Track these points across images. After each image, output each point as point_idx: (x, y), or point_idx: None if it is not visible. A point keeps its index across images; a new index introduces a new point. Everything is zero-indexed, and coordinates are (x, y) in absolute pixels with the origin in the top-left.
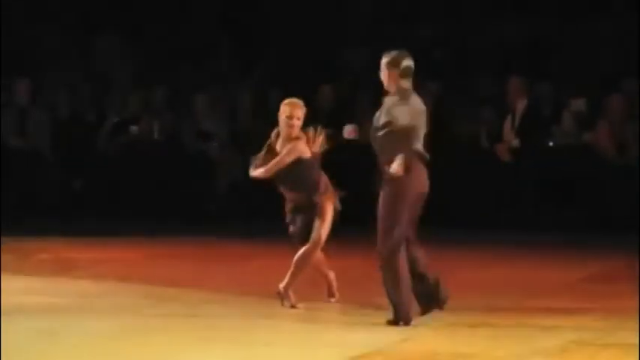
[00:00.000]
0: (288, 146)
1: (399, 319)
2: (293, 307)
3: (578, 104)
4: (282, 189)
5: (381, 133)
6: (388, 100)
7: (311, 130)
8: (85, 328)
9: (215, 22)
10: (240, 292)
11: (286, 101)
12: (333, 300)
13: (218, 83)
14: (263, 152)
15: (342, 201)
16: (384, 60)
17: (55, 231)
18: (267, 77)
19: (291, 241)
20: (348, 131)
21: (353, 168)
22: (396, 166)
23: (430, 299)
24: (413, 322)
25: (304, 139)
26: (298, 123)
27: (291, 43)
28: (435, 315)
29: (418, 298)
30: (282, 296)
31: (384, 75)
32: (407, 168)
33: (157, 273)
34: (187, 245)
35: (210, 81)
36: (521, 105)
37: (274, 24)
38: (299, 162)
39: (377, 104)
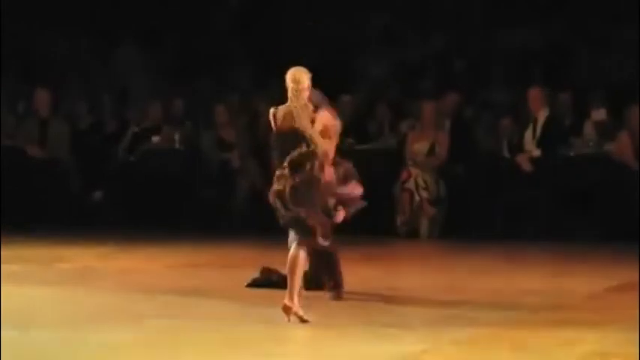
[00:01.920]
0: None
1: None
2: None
3: (600, 114)
4: None
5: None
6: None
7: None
8: (106, 338)
9: (234, 32)
10: (261, 302)
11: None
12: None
13: (237, 93)
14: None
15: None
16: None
17: (76, 241)
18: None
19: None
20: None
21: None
22: None
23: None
24: None
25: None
26: (307, 87)
27: (310, 53)
28: (455, 326)
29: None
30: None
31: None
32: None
33: (178, 283)
34: (208, 255)
35: (230, 91)
36: (542, 115)
37: (292, 34)
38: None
39: (395, 114)
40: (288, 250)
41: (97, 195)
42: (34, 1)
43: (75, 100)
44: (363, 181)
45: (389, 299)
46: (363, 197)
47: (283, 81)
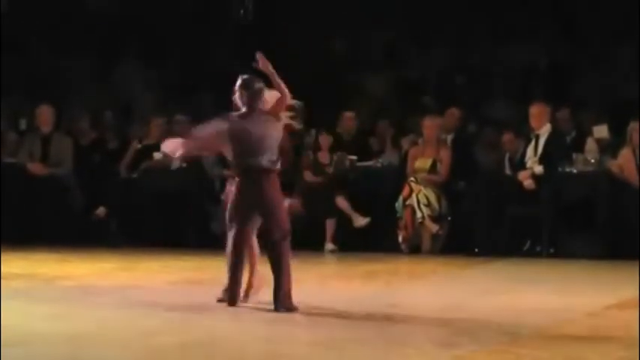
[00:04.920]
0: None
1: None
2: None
3: (601, 131)
4: None
5: None
6: None
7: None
8: (107, 356)
9: (237, 47)
10: (263, 320)
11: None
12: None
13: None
14: None
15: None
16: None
17: (78, 257)
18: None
19: None
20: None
21: (376, 194)
22: None
23: None
24: None
25: None
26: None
27: (311, 70)
28: (457, 343)
29: None
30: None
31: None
32: None
33: (181, 300)
34: (210, 271)
35: (232, 108)
36: (544, 131)
37: (293, 50)
38: None
39: (397, 130)
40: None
41: (100, 211)
42: (38, 18)
43: (77, 117)
44: (367, 198)
45: (390, 316)
46: (366, 214)
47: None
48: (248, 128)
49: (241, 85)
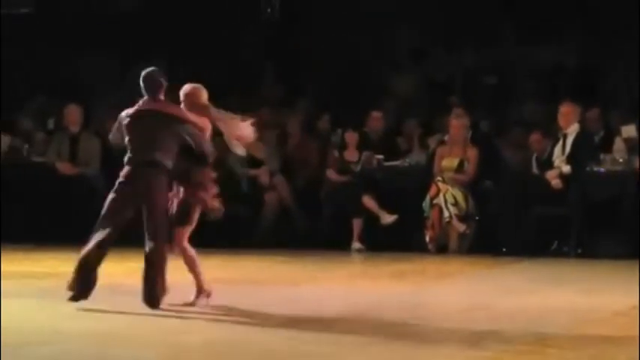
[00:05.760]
0: None
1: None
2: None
3: (629, 130)
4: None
5: None
6: None
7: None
8: (135, 355)
9: (264, 48)
10: (291, 318)
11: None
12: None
13: (267, 109)
14: None
15: (394, 226)
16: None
17: (108, 256)
18: (316, 103)
19: None
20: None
21: (403, 193)
22: None
23: None
24: None
25: None
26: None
27: (339, 69)
28: (484, 343)
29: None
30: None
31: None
32: None
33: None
34: (236, 271)
35: (259, 107)
36: (572, 131)
37: (321, 49)
38: None
39: (425, 130)
40: (313, 264)
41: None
42: (66, 18)
43: (105, 116)
44: (393, 197)
45: (417, 316)
46: (393, 213)
47: (312, 97)
48: (143, 123)
49: (143, 79)
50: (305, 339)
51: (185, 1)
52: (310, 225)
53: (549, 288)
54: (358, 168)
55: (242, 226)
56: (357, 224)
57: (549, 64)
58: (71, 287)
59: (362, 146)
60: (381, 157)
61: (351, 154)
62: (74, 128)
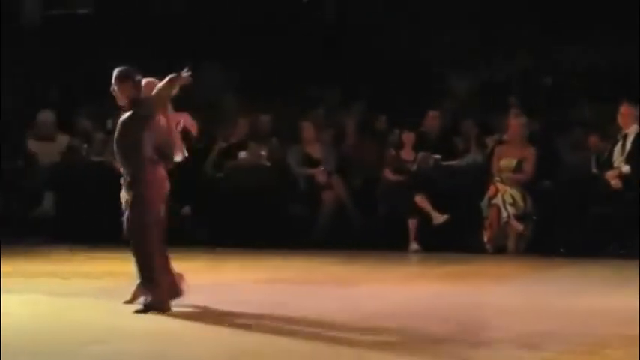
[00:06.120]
0: None
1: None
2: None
3: None
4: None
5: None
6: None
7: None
8: (191, 354)
9: (321, 48)
10: (347, 318)
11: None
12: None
13: (324, 109)
14: None
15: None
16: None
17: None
18: (372, 103)
19: None
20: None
21: (460, 193)
22: None
23: None
24: None
25: None
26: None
27: (397, 69)
28: (543, 345)
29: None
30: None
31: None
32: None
33: (265, 298)
34: (293, 270)
35: (316, 107)
36: (632, 131)
37: (378, 50)
38: None
39: (482, 130)
40: (369, 264)
41: (185, 210)
42: (122, 21)
43: None
44: (451, 197)
45: (475, 317)
46: (450, 214)
47: (369, 97)
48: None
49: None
50: (361, 339)
51: (239, 2)
52: (367, 225)
53: (607, 289)
54: (414, 168)
55: (299, 226)
56: (412, 224)
57: (607, 65)
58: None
59: (419, 146)
60: (438, 156)
61: (407, 154)
62: None
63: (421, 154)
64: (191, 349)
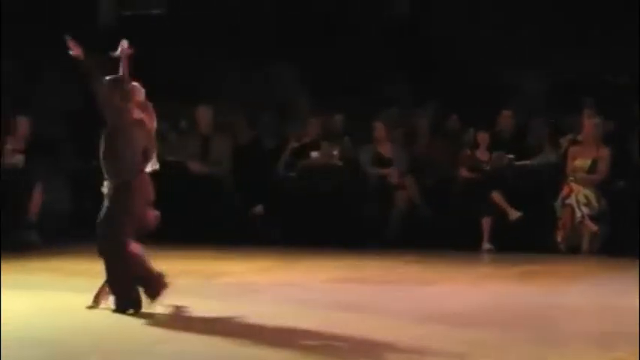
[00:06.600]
0: None
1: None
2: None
3: None
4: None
5: None
6: None
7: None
8: (260, 354)
9: (393, 47)
10: (421, 318)
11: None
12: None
13: (396, 109)
14: None
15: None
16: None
17: (237, 255)
18: (444, 102)
19: None
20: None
21: (533, 193)
22: None
23: None
24: None
25: None
26: None
27: (468, 69)
28: (617, 346)
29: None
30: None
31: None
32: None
33: (336, 298)
34: (364, 270)
35: (389, 107)
36: None
37: (451, 48)
38: None
39: (555, 129)
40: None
41: (257, 210)
42: (198, 20)
43: (235, 117)
44: (524, 197)
45: (548, 317)
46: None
47: (441, 96)
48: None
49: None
50: (435, 338)
51: (313, 2)
52: (439, 225)
53: None
54: (488, 168)
55: (371, 226)
56: (486, 224)
57: None
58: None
59: (493, 146)
60: (511, 156)
61: (482, 154)
62: (205, 129)
63: (495, 154)
64: (259, 350)
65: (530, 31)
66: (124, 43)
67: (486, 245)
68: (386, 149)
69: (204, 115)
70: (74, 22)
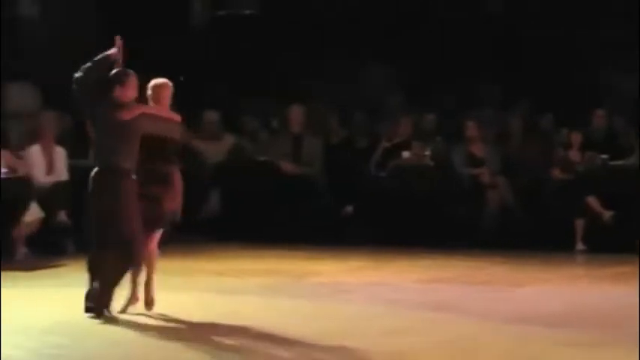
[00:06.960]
0: None
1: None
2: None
3: None
4: None
5: None
6: None
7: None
8: (348, 353)
9: (485, 45)
10: (514, 318)
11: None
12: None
13: (488, 108)
14: None
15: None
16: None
17: (328, 255)
18: (537, 102)
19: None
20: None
21: (626, 193)
22: None
23: None
24: None
25: None
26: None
27: (560, 68)
28: None
29: None
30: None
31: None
32: None
33: (427, 298)
34: (455, 270)
35: (481, 106)
36: None
37: (543, 46)
38: None
39: None
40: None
41: (348, 210)
42: (288, 20)
43: (327, 117)
44: (617, 197)
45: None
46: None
47: (534, 96)
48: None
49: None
50: (528, 339)
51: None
52: (531, 225)
53: None
54: (581, 168)
55: (463, 226)
56: (579, 225)
57: None
58: None
59: (585, 146)
60: (604, 156)
61: (574, 154)
62: (297, 128)
63: (588, 155)
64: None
65: (625, 31)
66: (118, 40)
67: (579, 246)
68: (478, 149)
69: (296, 114)
70: (167, 23)
